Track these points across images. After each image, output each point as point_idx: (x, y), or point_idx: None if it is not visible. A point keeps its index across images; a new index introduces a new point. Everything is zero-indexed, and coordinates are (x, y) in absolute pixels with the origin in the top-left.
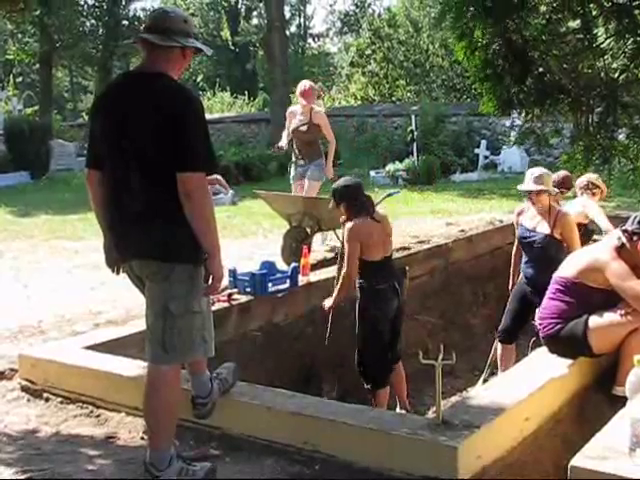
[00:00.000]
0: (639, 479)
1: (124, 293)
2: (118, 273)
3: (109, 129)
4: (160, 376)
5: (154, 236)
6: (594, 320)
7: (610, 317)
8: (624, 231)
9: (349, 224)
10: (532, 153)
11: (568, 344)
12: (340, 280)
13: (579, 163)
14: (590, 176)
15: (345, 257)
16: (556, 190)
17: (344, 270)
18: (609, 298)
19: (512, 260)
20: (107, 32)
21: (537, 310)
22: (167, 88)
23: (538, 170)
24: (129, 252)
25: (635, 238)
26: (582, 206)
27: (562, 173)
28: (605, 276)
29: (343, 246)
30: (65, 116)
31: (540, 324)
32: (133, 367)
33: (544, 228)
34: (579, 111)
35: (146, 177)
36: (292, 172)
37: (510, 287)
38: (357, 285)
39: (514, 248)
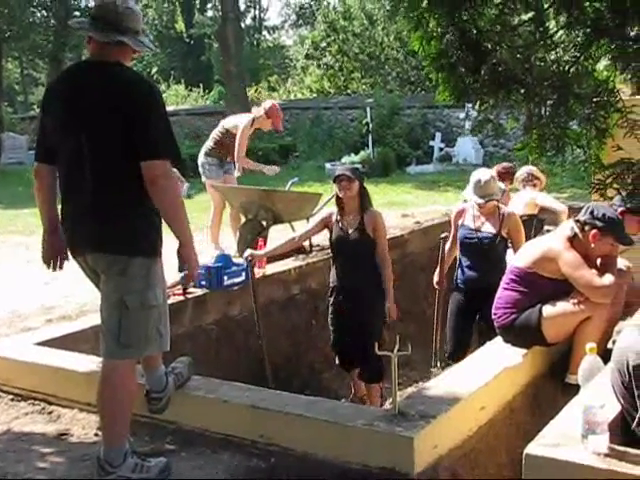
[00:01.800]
0: (591, 465)
1: (78, 288)
2: (55, 269)
3: (62, 121)
4: (115, 371)
5: (109, 229)
6: (547, 309)
7: (563, 306)
8: (576, 221)
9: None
10: (486, 145)
11: (522, 334)
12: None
13: (533, 152)
14: (530, 168)
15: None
16: (503, 188)
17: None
18: (562, 288)
19: (444, 256)
20: (58, 23)
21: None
22: (124, 77)
23: (483, 177)
24: (83, 245)
25: (587, 228)
26: (530, 197)
27: (506, 165)
28: (558, 266)
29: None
30: (16, 109)
31: (495, 314)
32: (86, 362)
33: (491, 228)
34: (532, 101)
35: (102, 170)
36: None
37: (436, 280)
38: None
39: (447, 246)
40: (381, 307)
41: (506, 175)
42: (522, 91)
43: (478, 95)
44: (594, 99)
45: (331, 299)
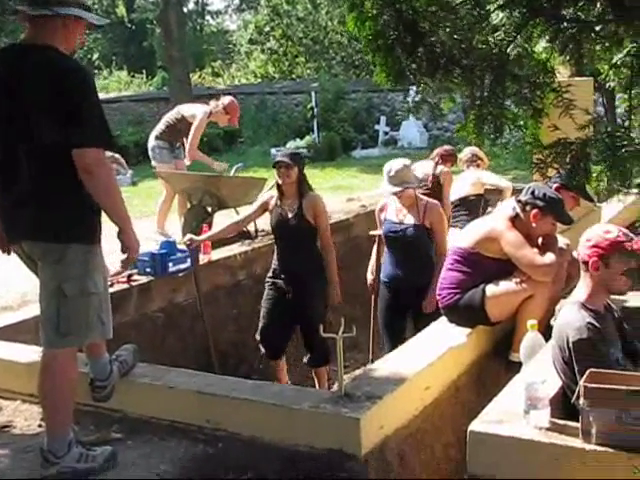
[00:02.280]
0: (533, 439)
1: (18, 277)
2: (9, 254)
3: None
4: (55, 360)
5: (45, 217)
6: (491, 289)
7: (506, 285)
8: (518, 201)
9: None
10: (431, 128)
11: (466, 313)
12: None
13: (472, 132)
14: (473, 149)
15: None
16: (420, 177)
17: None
18: (505, 267)
19: (374, 255)
20: None
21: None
22: (55, 62)
23: (394, 166)
24: (20, 233)
25: (528, 208)
26: (476, 177)
27: (447, 147)
28: (501, 246)
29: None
30: None
31: (439, 295)
32: (28, 353)
33: (412, 219)
34: (470, 82)
35: (38, 158)
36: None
37: (370, 281)
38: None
39: (375, 246)
40: (322, 291)
41: (448, 157)
42: (460, 72)
43: (416, 77)
44: (531, 79)
45: (269, 282)
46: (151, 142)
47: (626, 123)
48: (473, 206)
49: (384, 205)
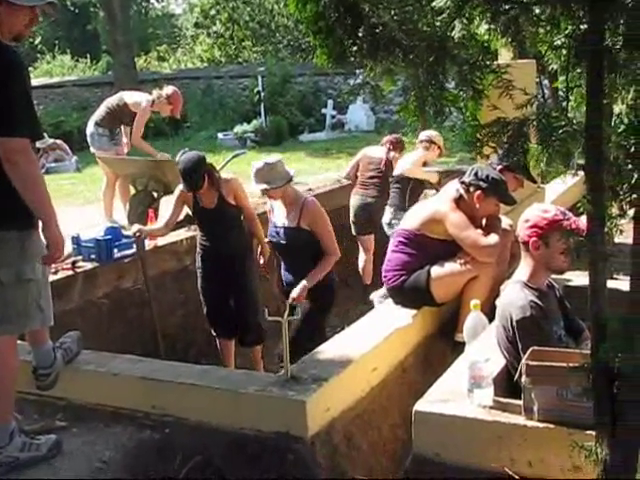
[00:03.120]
0: (477, 417)
1: None
2: None
3: None
4: None
5: None
6: (436, 270)
7: (450, 266)
8: (462, 183)
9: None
10: (378, 112)
11: (412, 295)
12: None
13: (411, 114)
14: (431, 133)
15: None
16: (290, 174)
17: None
18: (450, 248)
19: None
20: None
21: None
22: None
23: (256, 165)
24: None
25: (472, 189)
26: (417, 157)
27: (396, 136)
28: (445, 227)
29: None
30: None
31: (385, 277)
32: None
33: (289, 221)
34: (411, 63)
35: None
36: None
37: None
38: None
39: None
40: (252, 270)
41: (397, 145)
42: (401, 53)
43: (357, 58)
44: (471, 61)
45: (200, 268)
46: (90, 128)
47: (564, 104)
48: (404, 185)
49: (272, 207)
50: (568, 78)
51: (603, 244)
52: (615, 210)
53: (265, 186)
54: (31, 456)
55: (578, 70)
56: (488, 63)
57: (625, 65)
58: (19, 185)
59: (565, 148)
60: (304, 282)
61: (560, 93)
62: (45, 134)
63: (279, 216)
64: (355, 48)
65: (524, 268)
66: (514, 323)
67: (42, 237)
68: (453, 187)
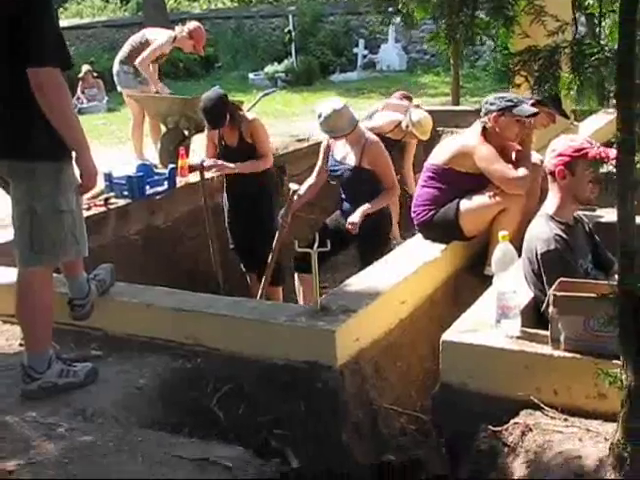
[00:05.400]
0: (504, 347)
1: None
2: None
3: None
4: (31, 278)
5: (12, 136)
6: (464, 204)
7: (479, 200)
8: (485, 114)
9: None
10: (410, 51)
11: (441, 229)
12: None
13: (442, 42)
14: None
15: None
16: (356, 119)
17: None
18: (478, 182)
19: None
20: None
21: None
22: None
23: (323, 112)
24: None
25: (489, 117)
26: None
27: (403, 92)
28: (473, 161)
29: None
30: None
31: (414, 212)
32: (8, 274)
33: (351, 160)
34: None
35: (3, 79)
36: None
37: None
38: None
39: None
40: (271, 211)
41: (407, 98)
42: None
43: None
44: None
45: (225, 205)
46: (115, 67)
47: (597, 30)
48: None
49: (331, 142)
50: (602, 3)
51: (632, 173)
52: None
53: (331, 134)
54: (68, 382)
55: None
56: None
57: None
58: (50, 114)
59: (597, 76)
60: (363, 208)
61: (594, 20)
62: (88, 66)
63: (339, 151)
64: None
65: (551, 200)
66: (539, 256)
67: (76, 169)
68: (477, 123)
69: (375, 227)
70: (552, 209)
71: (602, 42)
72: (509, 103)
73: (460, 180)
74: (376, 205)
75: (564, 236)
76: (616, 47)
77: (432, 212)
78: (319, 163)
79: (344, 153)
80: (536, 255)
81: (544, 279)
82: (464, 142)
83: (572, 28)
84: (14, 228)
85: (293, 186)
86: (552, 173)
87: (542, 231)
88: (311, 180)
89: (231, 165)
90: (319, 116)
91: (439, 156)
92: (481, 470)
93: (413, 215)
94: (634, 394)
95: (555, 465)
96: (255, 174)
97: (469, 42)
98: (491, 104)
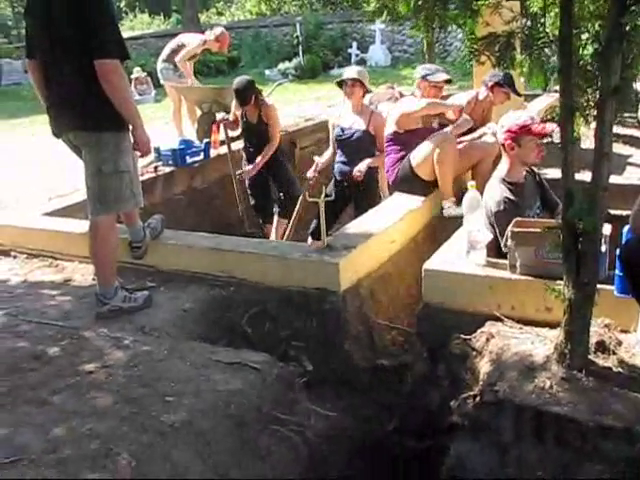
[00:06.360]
0: (473, 273)
1: (70, 170)
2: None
3: (36, 26)
4: (99, 225)
5: (81, 112)
6: (413, 156)
7: (422, 149)
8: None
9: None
10: (393, 51)
11: (406, 182)
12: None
13: (422, 30)
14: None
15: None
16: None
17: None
18: (422, 137)
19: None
20: None
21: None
22: None
23: (353, 67)
24: (65, 127)
25: (418, 81)
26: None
27: (387, 84)
28: (410, 119)
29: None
30: (11, 40)
31: (387, 176)
32: (81, 226)
33: (360, 124)
34: None
35: (72, 66)
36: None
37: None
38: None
39: (326, 155)
40: (285, 164)
41: (391, 87)
42: None
43: None
44: None
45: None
46: (159, 64)
47: (542, 20)
48: None
49: (338, 115)
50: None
51: (572, 130)
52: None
53: (356, 77)
54: (131, 306)
55: None
56: None
57: None
58: (113, 97)
59: (544, 55)
60: (366, 161)
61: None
62: (139, 68)
63: (347, 120)
64: None
65: (503, 165)
66: (492, 213)
67: (131, 137)
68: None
69: (369, 184)
70: (504, 172)
71: (547, 30)
72: (427, 71)
73: (407, 139)
74: (373, 162)
75: (512, 197)
76: (557, 33)
77: (396, 171)
78: (331, 136)
79: (352, 121)
80: (490, 213)
81: (497, 230)
82: (400, 107)
83: (522, 18)
84: (86, 185)
85: (317, 158)
86: (503, 145)
87: (494, 193)
88: (330, 150)
89: (251, 166)
90: (356, 68)
91: (389, 126)
92: (454, 369)
93: (387, 179)
94: (574, 304)
95: (512, 362)
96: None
97: (443, 29)
98: (417, 72)
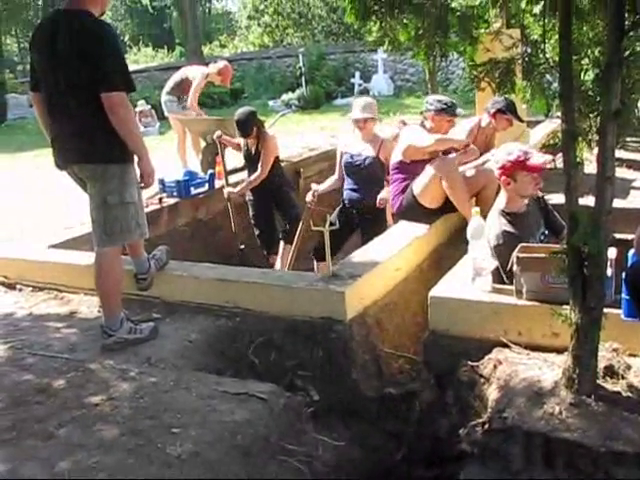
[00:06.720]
0: (479, 299)
1: (75, 204)
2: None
3: (42, 60)
4: (105, 256)
5: (87, 145)
6: (415, 185)
7: (423, 177)
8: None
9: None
10: (396, 80)
11: (410, 211)
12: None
13: (422, 57)
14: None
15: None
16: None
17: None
18: (423, 166)
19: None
20: (44, 2)
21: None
22: (87, 25)
23: (363, 100)
24: (70, 159)
25: (430, 114)
26: None
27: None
28: (417, 149)
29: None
30: (16, 75)
31: (392, 205)
32: (87, 258)
33: (370, 151)
34: (420, 16)
35: (77, 99)
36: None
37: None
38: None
39: (335, 175)
40: (290, 194)
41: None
42: (412, 9)
43: (378, 15)
44: (468, 14)
45: (250, 199)
46: (163, 97)
47: (542, 46)
48: None
49: (346, 143)
50: (545, 22)
51: (575, 155)
52: (585, 127)
53: (370, 116)
54: (136, 337)
55: (553, 21)
56: (481, 14)
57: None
58: (120, 129)
59: (545, 81)
60: (386, 190)
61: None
62: (144, 101)
63: (357, 147)
64: (376, 7)
65: (501, 197)
66: (492, 246)
67: (137, 169)
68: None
69: (378, 212)
70: (502, 204)
71: (547, 56)
72: (444, 105)
73: (412, 169)
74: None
75: (510, 230)
76: (557, 59)
77: (400, 200)
78: (338, 163)
79: (361, 148)
80: (490, 245)
81: (497, 263)
82: (408, 138)
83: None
84: (91, 217)
85: (314, 186)
86: (499, 180)
87: (493, 225)
88: (335, 175)
89: (236, 189)
90: (364, 102)
91: (395, 155)
92: (462, 396)
93: (392, 209)
94: (581, 329)
95: (520, 388)
96: (272, 175)
97: (443, 57)
98: (430, 104)
